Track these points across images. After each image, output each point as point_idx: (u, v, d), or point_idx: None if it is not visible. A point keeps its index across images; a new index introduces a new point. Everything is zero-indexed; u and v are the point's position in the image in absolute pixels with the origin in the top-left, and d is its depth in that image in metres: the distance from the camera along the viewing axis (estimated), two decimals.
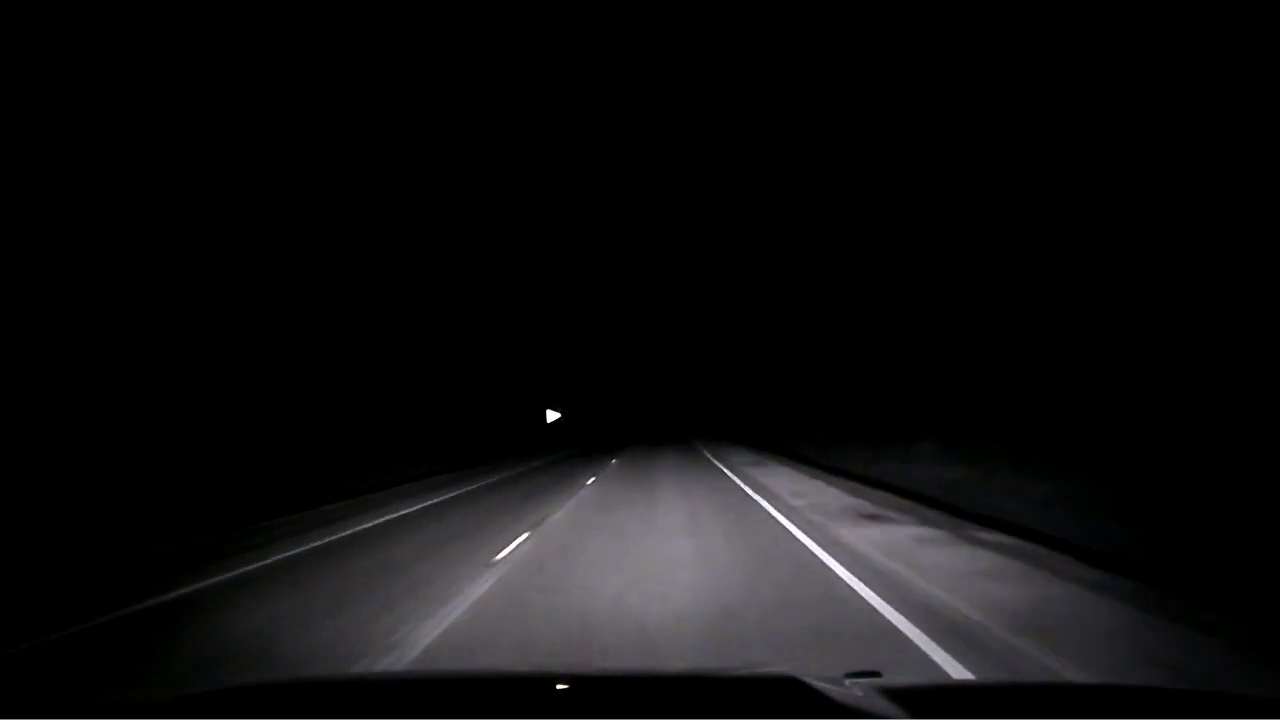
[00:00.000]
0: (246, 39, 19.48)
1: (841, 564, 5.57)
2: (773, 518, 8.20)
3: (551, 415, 49.84)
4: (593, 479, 14.53)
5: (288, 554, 7.22)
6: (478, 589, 5.24)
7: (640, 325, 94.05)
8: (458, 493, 13.39)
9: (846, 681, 1.57)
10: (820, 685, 1.49)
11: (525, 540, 7.35)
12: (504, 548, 6.95)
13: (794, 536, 6.92)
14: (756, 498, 10.17)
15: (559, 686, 1.77)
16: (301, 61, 22.33)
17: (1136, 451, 6.66)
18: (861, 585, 4.86)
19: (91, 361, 12.96)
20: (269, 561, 6.85)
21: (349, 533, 8.66)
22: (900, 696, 1.44)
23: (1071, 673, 3.20)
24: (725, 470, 15.27)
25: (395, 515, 10.22)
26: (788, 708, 1.48)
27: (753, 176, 44.55)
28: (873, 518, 7.89)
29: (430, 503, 11.86)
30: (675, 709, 1.57)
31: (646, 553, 6.34)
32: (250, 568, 6.57)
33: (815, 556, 5.93)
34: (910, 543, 6.30)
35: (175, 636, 4.48)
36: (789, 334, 49.12)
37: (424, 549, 7.19)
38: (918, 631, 3.84)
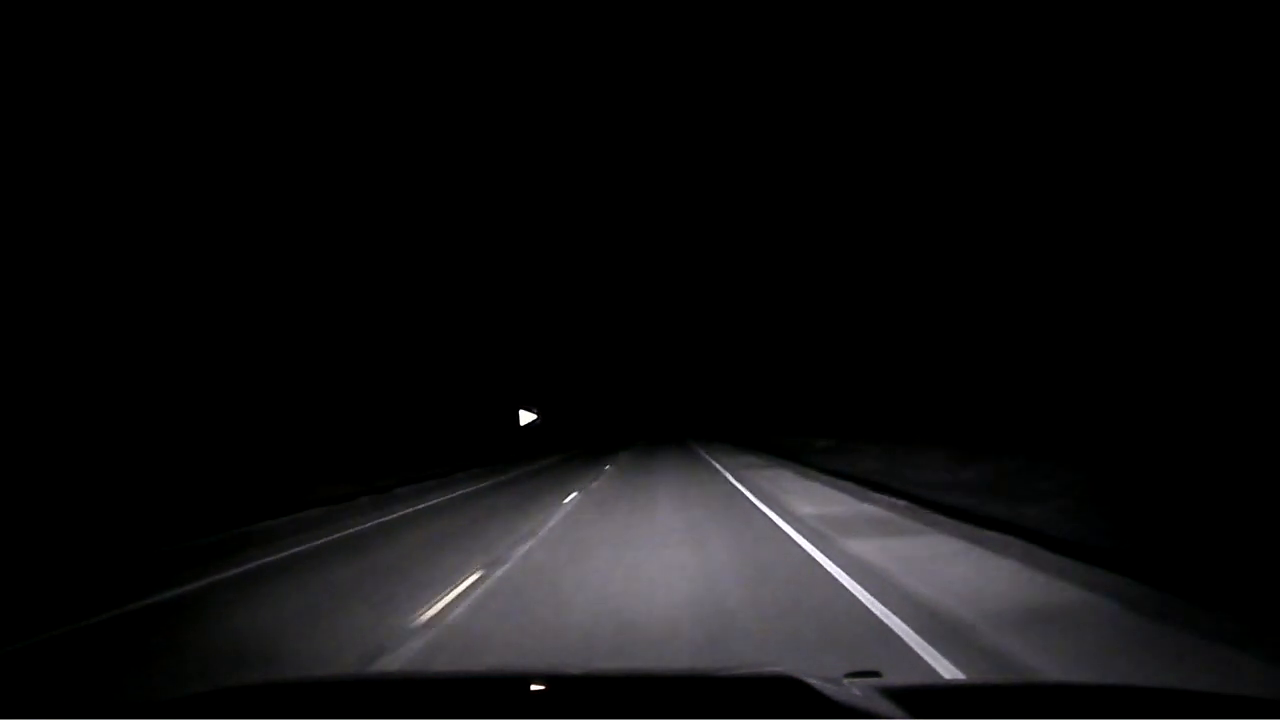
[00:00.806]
0: (246, 41, 19.50)
1: None
2: None
3: (526, 417, 40.62)
4: (492, 571, 5.69)
5: None
6: None
7: (635, 324, 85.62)
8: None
9: (845, 681, 1.51)
10: (819, 685, 1.43)
11: None
12: None
13: None
14: None
15: (558, 686, 1.73)
16: (296, 64, 22.37)
17: None
18: None
19: None
20: None
21: None
22: (899, 696, 1.38)
23: None
24: (798, 539, 6.60)
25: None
26: (787, 707, 1.43)
27: (752, 177, 42.20)
28: None
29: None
30: (674, 709, 1.52)
31: None
32: None
33: None
34: None
35: None
36: (792, 330, 41.67)
37: None
38: None
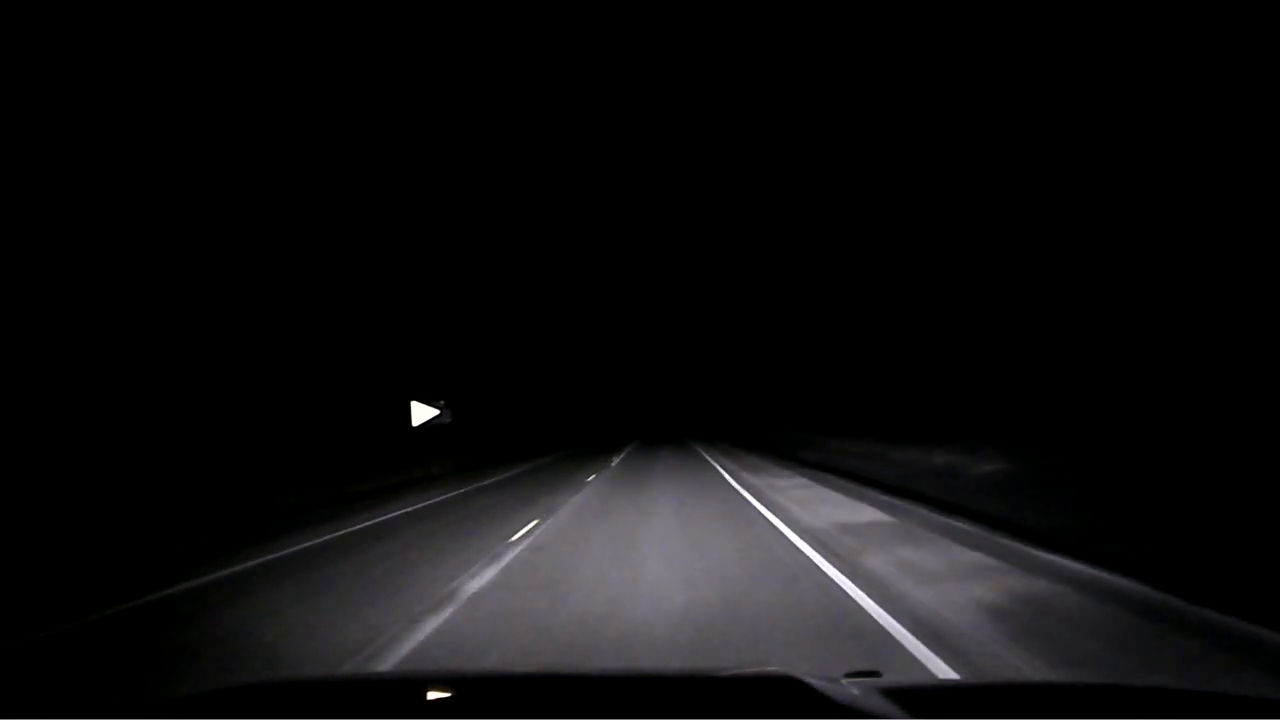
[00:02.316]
0: (245, 40, 19.36)
1: None
2: None
3: (421, 413, 32.96)
4: None
5: None
6: None
7: (636, 314, 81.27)
8: None
9: (844, 681, 1.50)
10: (818, 684, 1.41)
11: None
12: None
13: None
14: None
15: (558, 686, 1.74)
16: (285, 62, 21.25)
17: None
18: None
19: None
20: None
21: None
22: (899, 696, 1.37)
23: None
24: None
25: None
26: (786, 707, 1.41)
27: (752, 177, 41.45)
28: None
29: None
30: (674, 709, 1.51)
31: None
32: None
33: None
34: None
35: None
36: (813, 312, 37.34)
37: None
38: None
